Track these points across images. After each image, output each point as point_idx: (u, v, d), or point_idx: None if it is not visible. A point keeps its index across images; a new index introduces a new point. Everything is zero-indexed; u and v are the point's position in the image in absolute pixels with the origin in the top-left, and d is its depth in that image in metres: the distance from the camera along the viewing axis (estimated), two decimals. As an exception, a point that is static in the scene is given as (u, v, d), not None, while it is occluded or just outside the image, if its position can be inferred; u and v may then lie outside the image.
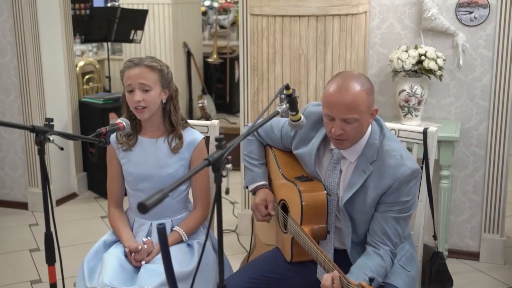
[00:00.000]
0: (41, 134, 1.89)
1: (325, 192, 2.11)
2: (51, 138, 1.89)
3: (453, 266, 3.47)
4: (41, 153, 1.90)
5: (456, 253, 3.60)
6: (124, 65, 2.30)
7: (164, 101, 2.32)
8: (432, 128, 2.32)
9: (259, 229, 2.49)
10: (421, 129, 2.33)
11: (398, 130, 2.39)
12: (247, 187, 2.37)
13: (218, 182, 1.50)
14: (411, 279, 2.12)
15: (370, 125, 2.06)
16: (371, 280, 1.73)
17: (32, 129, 1.90)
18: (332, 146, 2.10)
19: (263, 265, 2.24)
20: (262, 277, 2.18)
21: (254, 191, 2.32)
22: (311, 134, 2.15)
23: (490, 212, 3.52)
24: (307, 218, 2.07)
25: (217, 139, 1.54)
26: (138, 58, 2.30)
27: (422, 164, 2.32)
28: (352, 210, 2.06)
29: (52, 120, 1.94)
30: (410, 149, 2.38)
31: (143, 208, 1.29)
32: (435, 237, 2.49)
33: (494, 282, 3.35)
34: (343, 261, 2.09)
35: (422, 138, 2.32)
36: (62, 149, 1.93)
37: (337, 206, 2.11)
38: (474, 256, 3.59)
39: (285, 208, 2.23)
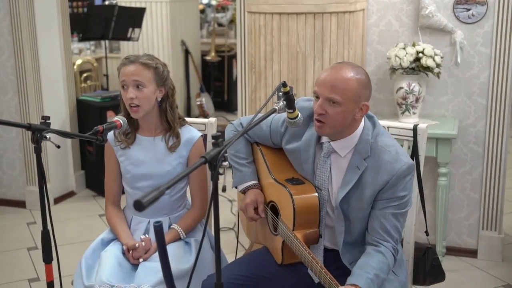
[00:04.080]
0: (37, 132, 1.89)
1: (317, 194, 2.06)
2: (47, 136, 1.89)
3: (451, 263, 3.48)
4: (38, 151, 1.90)
5: (454, 250, 3.61)
6: (121, 62, 2.30)
7: (159, 99, 2.32)
8: (422, 125, 2.31)
9: (248, 227, 2.45)
10: (410, 125, 2.33)
11: (388, 127, 2.37)
12: (236, 187, 2.31)
13: (214, 179, 1.50)
14: (402, 284, 2.09)
15: (363, 121, 2.04)
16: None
17: (29, 127, 1.89)
18: (323, 140, 2.08)
19: (253, 263, 2.20)
20: (251, 275, 2.14)
21: (244, 191, 2.27)
22: (302, 129, 2.10)
23: (488, 210, 3.52)
24: (299, 223, 2.02)
25: (213, 137, 1.53)
26: (134, 56, 2.30)
27: (412, 160, 2.32)
28: (348, 209, 2.02)
29: (48, 118, 1.94)
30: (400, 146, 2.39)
31: (139, 206, 1.29)
32: (427, 233, 2.49)
33: (492, 279, 3.35)
34: (331, 259, 2.08)
35: (412, 135, 2.31)
36: (58, 147, 1.93)
37: (329, 202, 2.08)
38: (472, 253, 3.59)
39: (274, 209, 2.18)
